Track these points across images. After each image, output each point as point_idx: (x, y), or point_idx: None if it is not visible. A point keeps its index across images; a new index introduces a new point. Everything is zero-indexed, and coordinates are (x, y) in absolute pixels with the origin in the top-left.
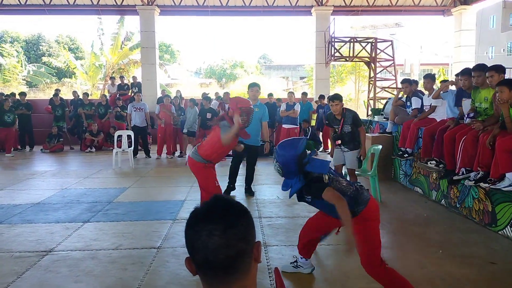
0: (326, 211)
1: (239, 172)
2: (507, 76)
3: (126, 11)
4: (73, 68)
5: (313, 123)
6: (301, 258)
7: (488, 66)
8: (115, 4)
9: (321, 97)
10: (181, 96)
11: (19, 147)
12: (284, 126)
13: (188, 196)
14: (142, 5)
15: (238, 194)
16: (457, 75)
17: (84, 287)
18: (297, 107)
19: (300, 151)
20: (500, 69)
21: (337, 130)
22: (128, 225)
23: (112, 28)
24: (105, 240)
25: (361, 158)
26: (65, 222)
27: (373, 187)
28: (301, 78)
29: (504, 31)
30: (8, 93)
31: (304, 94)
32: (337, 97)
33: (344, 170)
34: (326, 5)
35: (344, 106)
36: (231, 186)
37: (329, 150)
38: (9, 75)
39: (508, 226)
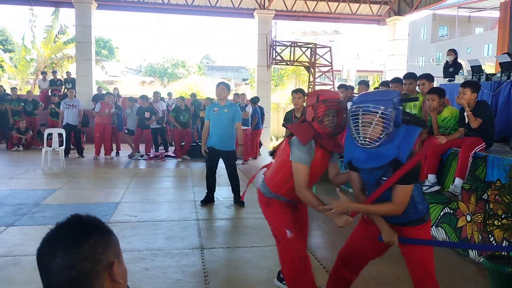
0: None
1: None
2: (435, 84)
3: (60, 3)
4: (0, 61)
5: None
6: None
7: (418, 74)
8: None
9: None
10: (118, 94)
11: None
12: None
13: (123, 198)
14: None
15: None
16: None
17: None
18: (249, 109)
19: (399, 95)
20: (430, 77)
21: None
22: None
23: (45, 20)
24: (30, 245)
25: None
26: None
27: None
28: (244, 80)
29: (434, 42)
30: None
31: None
32: (300, 90)
33: None
34: (268, 9)
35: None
36: (210, 196)
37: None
38: None
39: (434, 226)
